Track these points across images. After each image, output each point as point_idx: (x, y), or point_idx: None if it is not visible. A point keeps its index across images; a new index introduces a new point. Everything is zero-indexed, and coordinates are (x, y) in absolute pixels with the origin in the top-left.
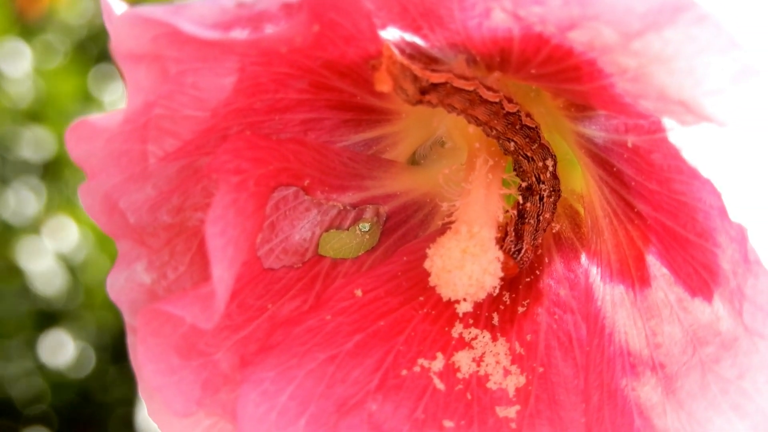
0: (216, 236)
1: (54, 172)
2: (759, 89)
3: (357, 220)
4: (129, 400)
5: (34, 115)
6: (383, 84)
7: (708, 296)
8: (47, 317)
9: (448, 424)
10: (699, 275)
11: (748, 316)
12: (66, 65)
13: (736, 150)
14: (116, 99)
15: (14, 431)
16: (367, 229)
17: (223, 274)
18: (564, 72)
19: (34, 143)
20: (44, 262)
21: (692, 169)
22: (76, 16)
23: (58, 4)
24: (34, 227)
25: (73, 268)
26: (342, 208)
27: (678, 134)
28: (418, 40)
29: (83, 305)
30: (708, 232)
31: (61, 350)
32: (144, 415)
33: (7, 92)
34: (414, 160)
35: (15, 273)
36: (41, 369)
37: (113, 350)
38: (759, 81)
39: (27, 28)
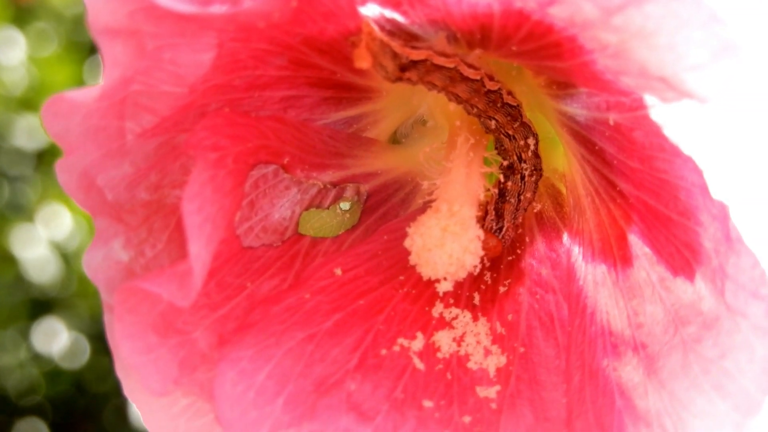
0: (193, 213)
1: (48, 160)
2: (740, 65)
3: (337, 198)
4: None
5: (28, 103)
6: (362, 61)
7: (690, 275)
8: (41, 306)
9: (427, 404)
10: (681, 254)
11: (730, 295)
12: (60, 53)
13: (717, 126)
14: None
15: (8, 423)
16: (347, 207)
17: (200, 251)
18: (545, 48)
19: (28, 131)
20: (38, 250)
21: (674, 147)
22: (69, 3)
23: None
24: (27, 215)
25: (66, 257)
26: (322, 186)
27: (659, 111)
28: (398, 17)
29: (77, 293)
30: (690, 211)
31: (55, 339)
32: None
33: (1, 80)
34: (395, 139)
35: (8, 261)
36: (35, 359)
37: (107, 340)
38: (740, 56)
39: (21, 16)
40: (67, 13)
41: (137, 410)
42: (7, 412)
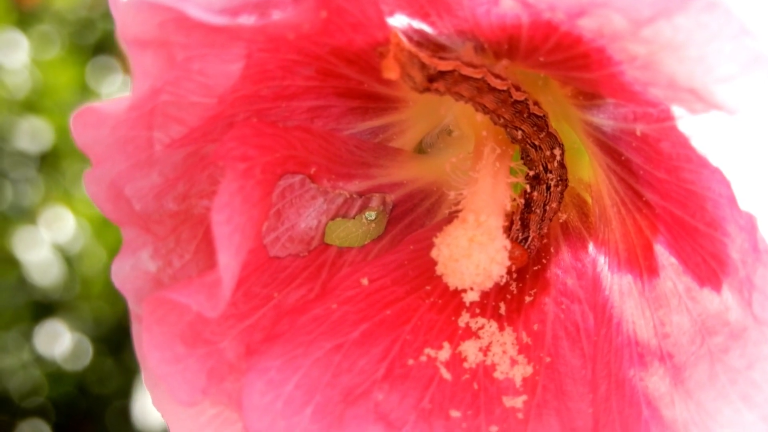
0: (222, 224)
1: (51, 162)
2: None
3: (363, 208)
4: (126, 392)
5: (31, 105)
6: (391, 71)
7: (717, 286)
8: (44, 308)
9: (454, 413)
10: (708, 265)
11: (757, 306)
12: (63, 56)
13: (746, 138)
14: (114, 91)
15: (11, 424)
16: (373, 217)
17: (229, 261)
18: (573, 59)
19: (31, 134)
20: (41, 252)
21: (701, 158)
22: (72, 6)
23: None
24: (30, 218)
25: (69, 259)
26: (348, 196)
27: (687, 122)
28: (425, 27)
29: (80, 296)
30: (717, 222)
31: (58, 341)
32: (140, 407)
33: (4, 83)
34: (421, 149)
35: (12, 264)
36: (38, 361)
37: (110, 342)
38: None
39: (24, 19)
40: (70, 16)
41: (139, 411)
42: (9, 414)
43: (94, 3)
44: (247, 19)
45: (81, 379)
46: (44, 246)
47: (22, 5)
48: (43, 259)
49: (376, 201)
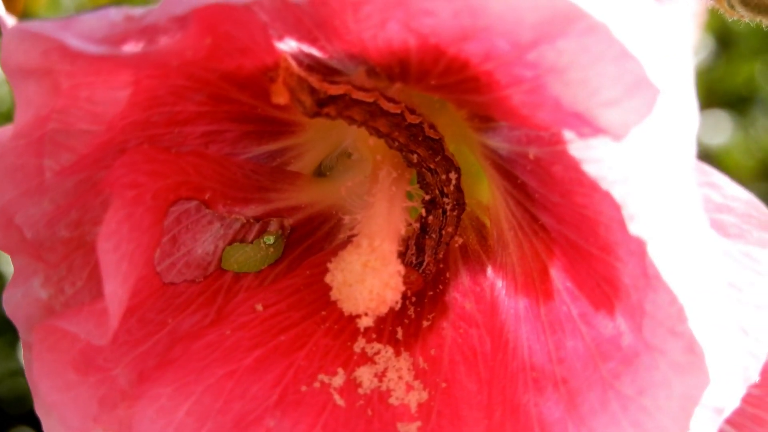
0: (109, 252)
1: None
2: (653, 100)
3: (261, 233)
4: None
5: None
6: (280, 96)
7: (610, 311)
8: None
9: None
10: (601, 289)
11: (648, 332)
12: None
13: (634, 162)
14: None
15: None
16: (272, 241)
17: (116, 289)
18: (463, 83)
19: None
20: None
21: (592, 182)
22: (56, 15)
23: (35, 6)
24: None
25: None
26: (245, 221)
27: (577, 146)
28: (315, 52)
29: None
30: (609, 246)
31: None
32: None
33: None
34: (321, 172)
35: None
36: (24, 371)
37: None
38: (653, 92)
39: None
40: None
41: None
42: None
43: (77, 11)
44: (130, 48)
45: None
46: None
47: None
48: None
49: (274, 225)
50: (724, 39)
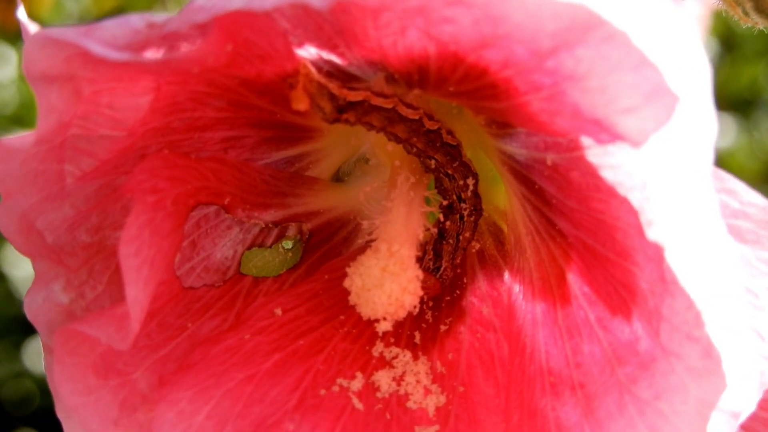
0: (130, 256)
1: None
2: (672, 107)
3: (280, 238)
4: None
5: (20, 120)
6: (300, 102)
7: (627, 316)
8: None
9: None
10: (619, 294)
11: (665, 337)
12: None
13: (652, 168)
14: None
15: None
16: (290, 246)
17: (137, 294)
18: (482, 90)
19: None
20: (28, 268)
21: (610, 188)
22: (60, 20)
23: (39, 9)
24: None
25: None
26: (264, 226)
27: (595, 152)
28: (335, 58)
29: None
30: (627, 251)
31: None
32: None
33: None
34: (339, 177)
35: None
36: (28, 373)
37: None
38: (672, 99)
39: (11, 33)
40: None
41: None
42: (0, 423)
43: (81, 16)
44: (151, 54)
45: None
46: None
47: (6, 25)
48: (30, 275)
49: (292, 230)
50: (728, 42)
